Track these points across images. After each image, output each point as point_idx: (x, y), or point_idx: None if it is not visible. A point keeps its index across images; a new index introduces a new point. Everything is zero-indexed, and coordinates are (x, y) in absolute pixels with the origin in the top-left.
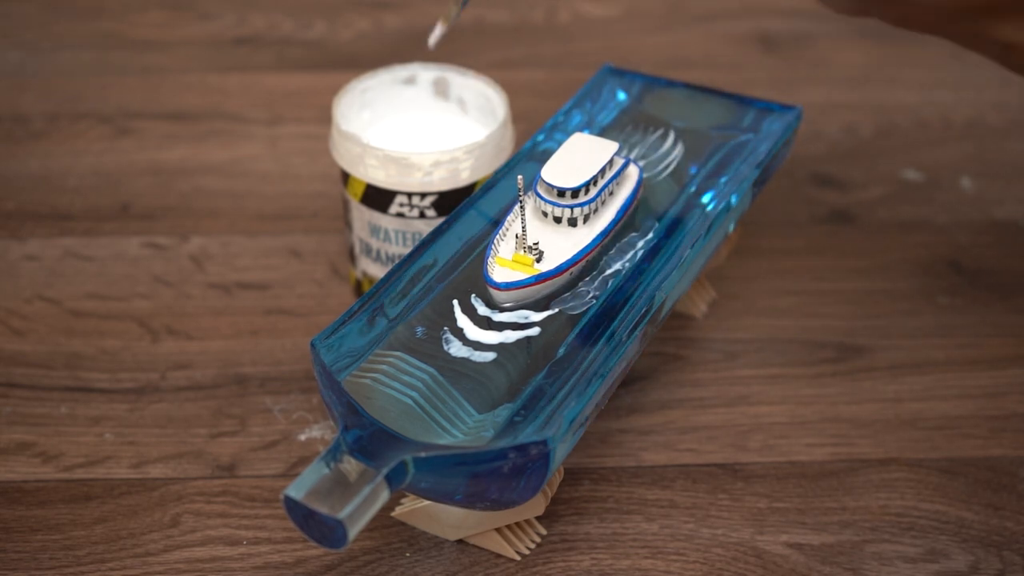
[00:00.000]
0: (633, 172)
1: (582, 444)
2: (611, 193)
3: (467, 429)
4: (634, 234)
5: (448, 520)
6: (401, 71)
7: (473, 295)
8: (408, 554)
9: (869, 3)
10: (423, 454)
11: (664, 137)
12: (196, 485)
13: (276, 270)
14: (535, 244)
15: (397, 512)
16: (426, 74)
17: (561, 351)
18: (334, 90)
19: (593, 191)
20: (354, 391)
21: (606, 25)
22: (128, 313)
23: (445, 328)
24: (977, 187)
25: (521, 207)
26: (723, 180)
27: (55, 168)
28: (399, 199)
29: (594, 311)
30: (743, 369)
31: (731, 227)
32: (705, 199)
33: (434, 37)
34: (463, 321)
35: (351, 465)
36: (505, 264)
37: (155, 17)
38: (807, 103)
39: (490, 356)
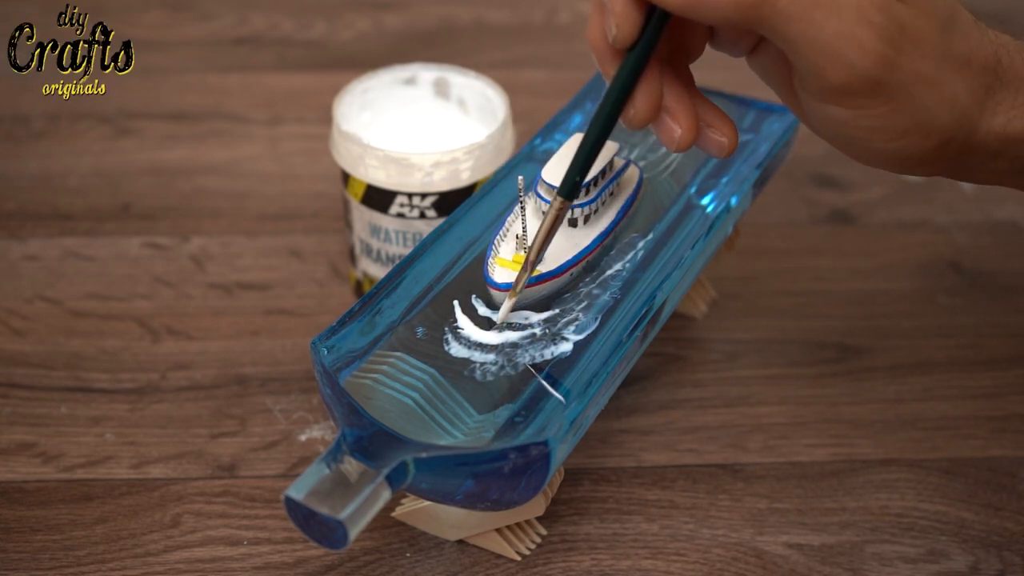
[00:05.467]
0: (633, 173)
1: (583, 444)
2: (612, 194)
3: (467, 430)
4: (634, 235)
5: (448, 520)
6: (401, 71)
7: (474, 296)
8: (408, 554)
9: None
10: (424, 455)
11: None
12: (196, 485)
13: (276, 270)
14: None
15: (397, 512)
16: (426, 74)
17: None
18: (334, 90)
19: (593, 192)
20: (354, 391)
21: None
22: (128, 313)
23: (446, 328)
24: (977, 187)
25: (521, 208)
26: (723, 181)
27: (56, 168)
28: (399, 199)
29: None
30: (743, 369)
31: (731, 228)
32: (705, 200)
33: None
34: (463, 321)
35: (352, 466)
36: (505, 264)
37: (155, 17)
38: None
39: (491, 357)
